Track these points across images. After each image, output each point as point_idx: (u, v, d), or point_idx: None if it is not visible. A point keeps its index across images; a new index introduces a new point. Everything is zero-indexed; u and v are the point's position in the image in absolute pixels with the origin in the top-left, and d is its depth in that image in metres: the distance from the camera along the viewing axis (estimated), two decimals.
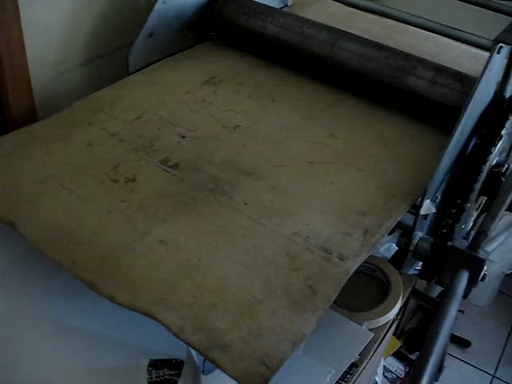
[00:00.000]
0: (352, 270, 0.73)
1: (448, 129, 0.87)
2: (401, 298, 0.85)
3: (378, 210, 0.82)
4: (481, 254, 0.82)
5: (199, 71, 1.09)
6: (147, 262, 0.73)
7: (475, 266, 0.82)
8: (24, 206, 0.79)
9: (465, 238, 0.96)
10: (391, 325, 0.84)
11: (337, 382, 0.73)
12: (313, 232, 0.78)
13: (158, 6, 1.06)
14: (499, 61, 0.88)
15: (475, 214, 1.07)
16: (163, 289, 0.70)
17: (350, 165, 0.90)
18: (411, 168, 0.90)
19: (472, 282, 0.83)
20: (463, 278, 0.82)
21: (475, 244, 0.82)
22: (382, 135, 0.97)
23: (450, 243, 0.84)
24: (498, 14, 1.10)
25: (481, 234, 0.82)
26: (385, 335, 0.82)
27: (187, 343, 0.64)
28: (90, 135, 0.92)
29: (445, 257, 0.84)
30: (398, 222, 0.83)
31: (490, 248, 0.91)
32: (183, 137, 0.93)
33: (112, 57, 1.16)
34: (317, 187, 0.85)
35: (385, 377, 1.56)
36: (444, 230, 0.86)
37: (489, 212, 0.84)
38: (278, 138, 0.94)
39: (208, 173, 0.86)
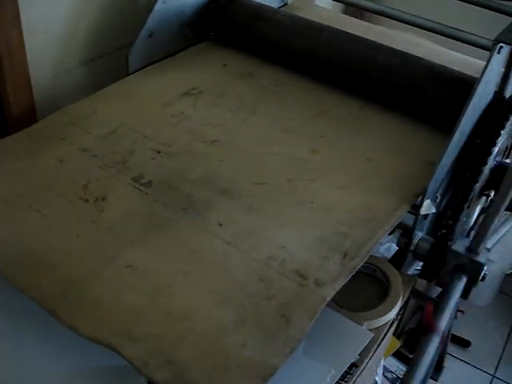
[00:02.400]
0: (329, 298, 0.69)
1: (437, 131, 0.89)
2: (401, 297, 0.84)
3: (358, 232, 0.78)
4: (480, 257, 0.82)
5: (179, 82, 1.05)
6: (113, 289, 0.70)
7: (474, 269, 0.82)
8: None
9: (468, 234, 0.97)
10: (391, 325, 0.83)
11: (337, 382, 0.72)
12: (289, 255, 0.74)
13: (157, 6, 1.06)
14: (499, 61, 0.88)
15: (478, 210, 1.05)
16: (128, 318, 0.67)
17: (332, 182, 0.86)
18: (396, 185, 0.87)
19: (471, 284, 0.83)
20: (461, 281, 0.82)
21: (475, 246, 0.82)
22: (367, 149, 0.93)
23: (450, 243, 0.84)
24: (498, 14, 1.09)
25: (480, 236, 0.82)
26: (385, 335, 0.80)
27: (150, 379, 0.60)
28: (61, 151, 0.89)
29: (444, 259, 0.83)
30: (399, 223, 0.82)
31: (490, 244, 0.91)
32: (158, 152, 0.89)
33: (112, 57, 1.15)
34: (295, 206, 0.82)
35: (385, 377, 1.54)
36: (444, 231, 0.85)
37: (487, 213, 0.83)
38: (256, 153, 0.90)
39: (182, 191, 0.83)
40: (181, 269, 0.72)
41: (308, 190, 0.85)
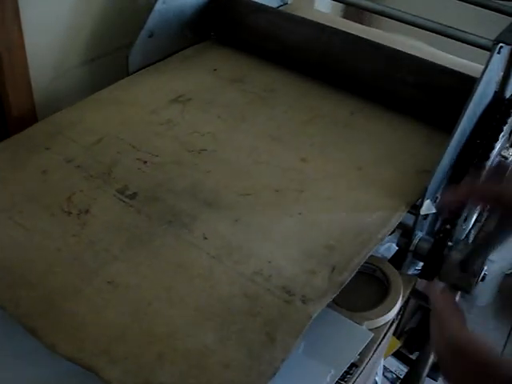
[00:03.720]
0: (315, 315, 0.67)
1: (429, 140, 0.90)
2: (401, 297, 0.83)
3: (347, 245, 0.76)
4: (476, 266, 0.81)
5: (168, 88, 1.03)
6: (94, 307, 0.68)
7: (466, 285, 0.82)
8: None
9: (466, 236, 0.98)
10: (391, 325, 0.82)
11: (337, 382, 0.72)
12: (275, 270, 0.73)
13: (158, 6, 1.05)
14: (499, 61, 0.87)
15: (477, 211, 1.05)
16: (108, 337, 0.65)
17: (321, 192, 0.84)
18: (387, 195, 0.85)
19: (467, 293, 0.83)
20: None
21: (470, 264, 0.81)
22: (358, 158, 0.91)
23: (450, 243, 0.83)
24: (498, 14, 1.07)
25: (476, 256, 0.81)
26: (385, 335, 0.80)
27: None
28: (45, 161, 0.87)
29: (442, 260, 0.83)
30: (399, 223, 0.81)
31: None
32: (145, 162, 0.87)
33: (112, 57, 1.15)
34: (283, 218, 0.80)
35: (385, 377, 1.53)
36: (441, 235, 0.84)
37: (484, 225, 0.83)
38: (244, 163, 0.88)
39: (167, 203, 0.81)
40: (164, 284, 0.70)
41: (296, 200, 0.82)
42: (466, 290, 0.82)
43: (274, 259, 0.74)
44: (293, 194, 0.84)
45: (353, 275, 0.73)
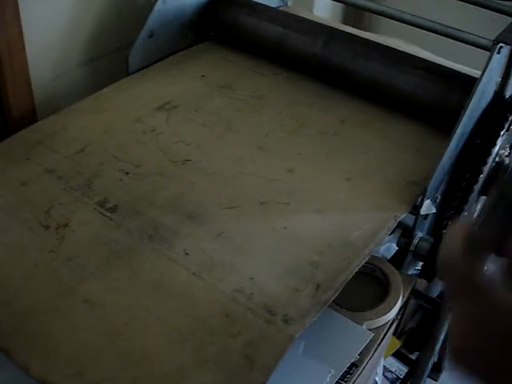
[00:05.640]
0: (297, 335, 0.65)
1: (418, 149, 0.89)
2: (401, 297, 0.83)
3: (333, 260, 0.74)
4: None
5: (154, 95, 1.01)
6: (69, 327, 0.66)
7: None
8: None
9: None
10: (391, 325, 0.82)
11: (337, 381, 0.72)
12: (257, 288, 0.70)
13: (158, 6, 1.05)
14: (499, 61, 0.88)
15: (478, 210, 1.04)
16: (82, 359, 0.63)
17: (308, 205, 0.82)
18: (376, 208, 0.82)
19: None
20: None
21: None
22: (347, 169, 0.88)
23: None
24: (498, 14, 1.06)
25: None
26: (385, 335, 0.80)
27: None
28: (25, 172, 0.85)
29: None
30: (399, 222, 0.80)
31: None
32: (126, 173, 0.85)
33: (112, 57, 1.14)
34: (267, 233, 0.77)
35: (385, 377, 1.51)
36: (443, 231, 0.84)
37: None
38: (229, 173, 0.86)
39: (148, 216, 0.79)
40: (141, 303, 0.68)
41: (282, 214, 0.80)
42: None
43: (257, 276, 0.72)
44: (278, 206, 0.81)
45: (337, 293, 0.70)
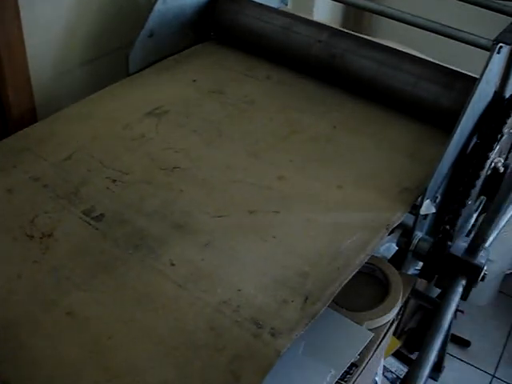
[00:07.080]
0: (284, 350, 0.64)
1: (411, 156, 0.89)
2: (401, 297, 0.83)
3: (323, 271, 0.73)
4: (478, 259, 0.83)
5: (144, 100, 0.99)
6: (50, 340, 0.65)
7: (472, 272, 0.84)
8: None
9: (468, 234, 0.98)
10: (391, 325, 0.82)
11: (337, 381, 0.72)
12: (245, 300, 0.69)
13: (158, 6, 1.05)
14: (499, 61, 0.88)
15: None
16: (63, 374, 0.62)
17: (297, 213, 0.80)
18: (368, 217, 0.81)
19: (470, 285, 0.84)
20: (460, 284, 0.83)
21: (473, 248, 0.82)
22: (338, 176, 0.87)
23: (450, 243, 0.84)
24: (498, 14, 1.07)
25: (479, 239, 0.82)
26: (385, 335, 0.80)
27: None
28: (11, 180, 0.84)
29: (443, 262, 0.84)
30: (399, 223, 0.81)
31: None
32: (114, 181, 0.83)
33: (112, 57, 1.14)
34: (256, 243, 0.76)
35: (385, 377, 1.51)
36: (441, 235, 0.84)
37: (486, 216, 0.83)
38: (219, 181, 0.84)
39: (135, 226, 0.77)
40: (126, 316, 0.67)
41: (271, 223, 0.79)
42: None
43: (245, 287, 0.70)
44: (268, 215, 0.80)
45: (327, 305, 0.69)
